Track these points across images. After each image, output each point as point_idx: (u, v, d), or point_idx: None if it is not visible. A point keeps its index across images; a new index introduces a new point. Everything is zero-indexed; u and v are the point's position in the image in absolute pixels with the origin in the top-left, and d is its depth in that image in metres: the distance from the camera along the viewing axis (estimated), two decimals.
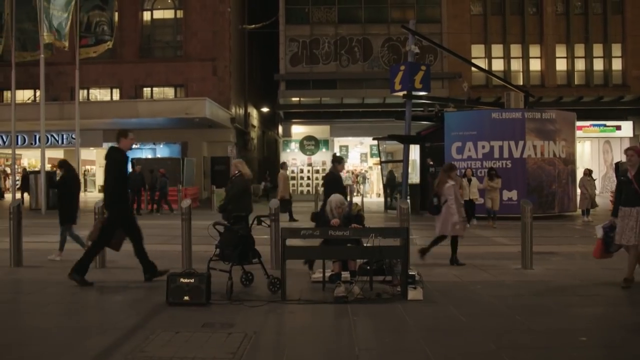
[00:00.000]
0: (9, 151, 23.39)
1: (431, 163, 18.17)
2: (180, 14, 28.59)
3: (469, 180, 14.35)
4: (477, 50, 28.29)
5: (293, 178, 27.75)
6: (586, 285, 6.94)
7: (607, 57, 28.53)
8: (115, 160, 7.09)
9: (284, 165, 18.10)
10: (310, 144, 27.44)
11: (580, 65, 28.73)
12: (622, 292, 6.46)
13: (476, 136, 16.58)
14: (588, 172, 16.35)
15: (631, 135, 27.54)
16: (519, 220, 8.24)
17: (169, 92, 28.87)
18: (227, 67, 27.98)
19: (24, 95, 27.89)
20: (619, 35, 28.38)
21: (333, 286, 6.34)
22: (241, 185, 8.09)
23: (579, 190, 16.37)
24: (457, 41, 26.64)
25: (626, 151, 6.99)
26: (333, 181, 8.64)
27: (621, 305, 6.02)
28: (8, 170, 25.33)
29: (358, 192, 25.60)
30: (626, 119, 27.32)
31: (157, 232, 13.09)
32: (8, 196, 24.61)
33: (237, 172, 8.29)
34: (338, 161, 9.02)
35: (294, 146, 27.98)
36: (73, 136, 23.26)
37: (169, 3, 28.93)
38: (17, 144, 23.42)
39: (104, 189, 7.44)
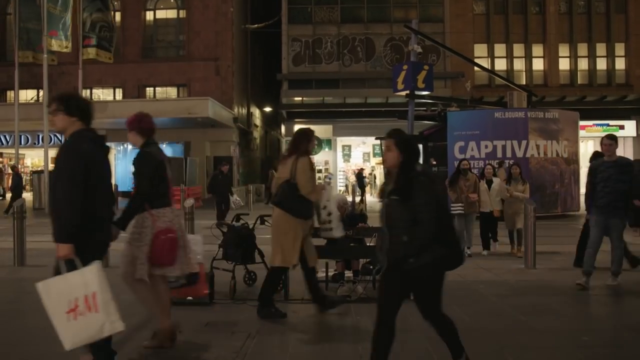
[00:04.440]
0: (13, 151, 23.45)
1: (434, 163, 18.15)
2: (183, 13, 28.60)
3: (489, 183, 9.74)
4: (480, 49, 28.26)
5: None
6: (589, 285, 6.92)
7: (610, 56, 28.47)
8: None
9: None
10: None
11: (583, 64, 28.66)
12: (625, 292, 6.42)
13: (479, 136, 16.55)
14: None
15: (634, 134, 27.50)
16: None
17: (172, 91, 28.90)
18: (229, 67, 27.98)
19: (27, 95, 27.96)
20: (622, 35, 28.32)
21: (336, 285, 6.34)
22: None
23: (583, 190, 16.31)
24: (459, 41, 26.61)
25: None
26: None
27: (624, 305, 6.00)
28: (10, 170, 25.41)
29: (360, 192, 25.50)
30: (629, 119, 27.28)
31: None
32: (9, 195, 24.62)
33: None
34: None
35: None
36: None
37: (172, 3, 28.95)
38: (21, 143, 23.47)
39: None
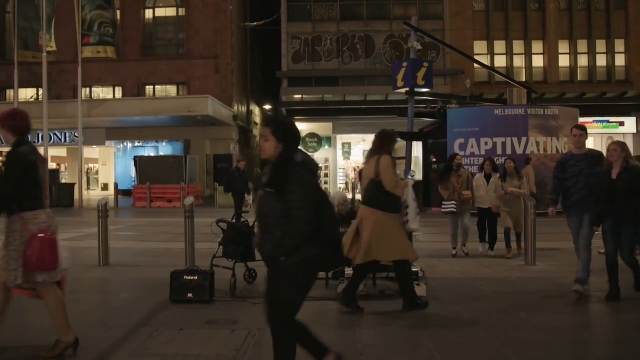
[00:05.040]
0: None
1: (434, 160, 18.17)
2: (182, 12, 28.58)
3: (488, 177, 9.16)
4: (480, 46, 28.21)
5: None
6: (589, 281, 6.92)
7: (610, 53, 28.42)
8: None
9: (530, 161, 17.35)
10: (312, 141, 27.41)
11: (583, 61, 28.61)
12: (624, 290, 6.42)
13: (479, 133, 16.56)
14: None
15: (634, 131, 27.44)
16: None
17: (172, 90, 28.89)
18: (229, 64, 27.97)
19: (27, 93, 27.94)
20: (622, 31, 28.26)
21: (336, 283, 6.34)
22: None
23: None
24: (459, 38, 26.57)
25: None
26: None
27: (623, 302, 6.00)
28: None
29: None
30: (629, 115, 27.21)
31: (160, 230, 13.13)
32: None
33: None
34: None
35: None
36: (76, 134, 23.30)
37: (172, 1, 28.93)
38: None
39: None
